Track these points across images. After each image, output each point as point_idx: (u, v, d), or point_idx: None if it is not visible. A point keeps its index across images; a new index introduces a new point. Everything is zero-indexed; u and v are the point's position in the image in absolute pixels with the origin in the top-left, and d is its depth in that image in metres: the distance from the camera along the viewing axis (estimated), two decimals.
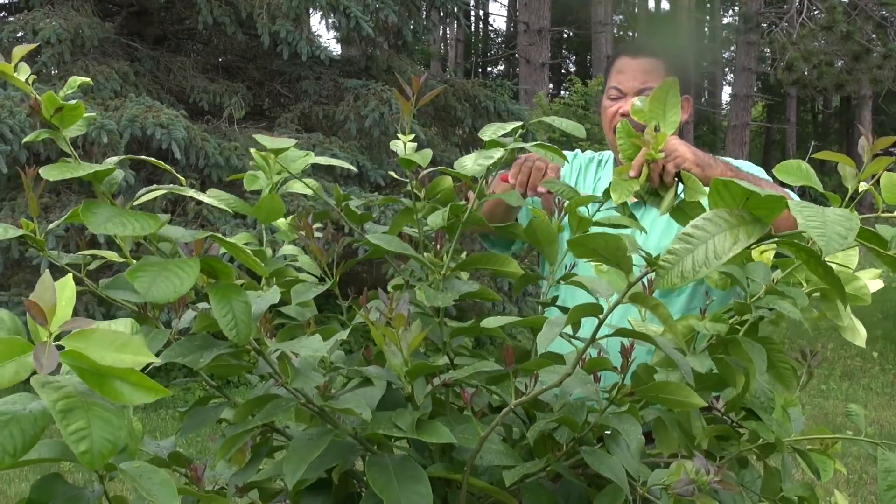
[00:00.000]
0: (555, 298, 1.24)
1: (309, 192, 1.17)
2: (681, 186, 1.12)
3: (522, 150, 1.13)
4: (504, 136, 1.10)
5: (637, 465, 1.01)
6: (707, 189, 1.05)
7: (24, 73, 0.89)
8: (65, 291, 0.71)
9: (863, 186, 0.92)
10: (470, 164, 1.07)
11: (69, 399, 0.64)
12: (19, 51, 0.88)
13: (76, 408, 0.64)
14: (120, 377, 0.66)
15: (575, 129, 1.16)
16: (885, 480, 1.06)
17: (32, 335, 0.68)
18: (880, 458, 1.08)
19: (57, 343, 0.65)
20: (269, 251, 1.18)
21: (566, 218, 1.20)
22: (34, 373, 0.65)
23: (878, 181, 0.90)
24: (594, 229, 1.18)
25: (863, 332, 1.17)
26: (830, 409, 6.11)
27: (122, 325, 0.91)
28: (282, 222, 1.25)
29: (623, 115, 1.86)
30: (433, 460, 1.07)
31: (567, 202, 1.16)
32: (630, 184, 1.09)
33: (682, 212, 1.07)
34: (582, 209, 1.16)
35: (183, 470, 1.08)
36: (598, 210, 1.19)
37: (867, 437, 1.15)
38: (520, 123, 1.11)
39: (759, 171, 1.89)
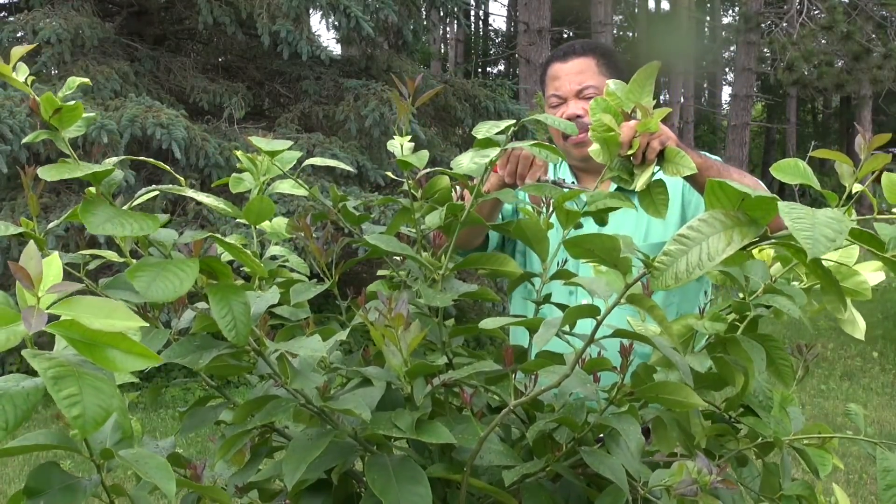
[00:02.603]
0: (548, 296, 1.24)
1: (299, 192, 1.17)
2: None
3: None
4: (497, 134, 1.10)
5: (637, 465, 1.01)
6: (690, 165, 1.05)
7: (22, 74, 0.90)
8: (51, 267, 0.72)
9: (858, 187, 0.92)
10: (466, 162, 1.06)
11: (61, 367, 0.65)
12: (18, 51, 0.89)
13: (68, 375, 0.65)
14: (111, 344, 0.67)
15: (567, 126, 1.16)
16: (884, 480, 1.06)
17: (20, 302, 0.69)
18: (879, 458, 1.08)
19: (48, 312, 0.66)
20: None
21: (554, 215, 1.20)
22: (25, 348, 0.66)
23: (876, 179, 0.90)
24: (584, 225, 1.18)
25: (862, 324, 1.17)
26: (830, 409, 6.11)
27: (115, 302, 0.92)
28: (266, 224, 1.25)
29: (569, 118, 1.88)
30: (433, 460, 1.07)
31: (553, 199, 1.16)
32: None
33: (648, 194, 1.06)
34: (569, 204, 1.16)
35: (182, 471, 1.08)
36: (584, 205, 1.19)
37: (867, 436, 1.15)
38: (513, 121, 1.11)
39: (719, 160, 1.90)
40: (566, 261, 1.19)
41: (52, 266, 0.73)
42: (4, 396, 0.66)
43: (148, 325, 0.78)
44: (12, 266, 0.66)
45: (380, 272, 1.24)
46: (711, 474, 0.92)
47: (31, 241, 0.74)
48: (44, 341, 0.71)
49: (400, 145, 1.15)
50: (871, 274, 1.16)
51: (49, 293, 0.67)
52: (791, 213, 0.74)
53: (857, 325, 1.17)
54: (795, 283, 1.18)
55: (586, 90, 1.91)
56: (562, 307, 1.19)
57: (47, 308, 0.66)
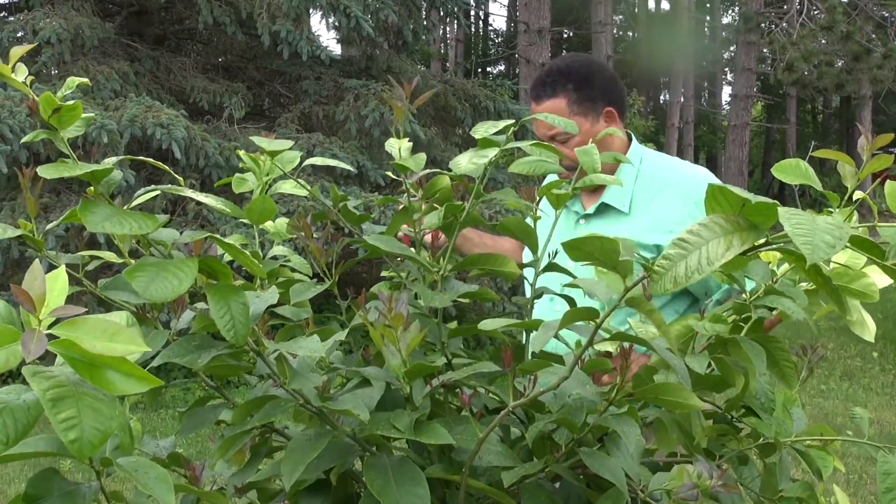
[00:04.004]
0: (541, 294, 1.24)
1: (301, 192, 1.17)
2: None
3: (520, 149, 1.13)
4: (496, 133, 1.09)
5: (637, 468, 1.01)
6: None
7: (21, 74, 0.89)
8: (57, 283, 0.71)
9: (859, 194, 0.92)
10: (464, 163, 1.06)
11: (60, 388, 0.65)
12: (17, 51, 0.88)
13: (66, 397, 0.64)
14: (111, 367, 0.66)
15: (568, 125, 1.16)
16: (884, 482, 1.06)
17: (24, 323, 0.68)
18: (880, 461, 1.08)
19: (49, 332, 0.66)
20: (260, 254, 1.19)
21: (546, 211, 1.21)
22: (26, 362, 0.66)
23: (881, 182, 0.90)
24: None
25: (872, 326, 1.16)
26: (830, 410, 6.11)
27: (118, 317, 0.91)
28: (269, 225, 1.25)
29: None
30: (432, 461, 1.06)
31: (539, 188, 1.16)
32: None
33: None
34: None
35: (182, 470, 1.08)
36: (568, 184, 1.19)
37: (868, 439, 1.15)
38: (512, 121, 1.10)
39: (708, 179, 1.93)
40: (556, 252, 1.20)
41: (58, 281, 0.72)
42: (5, 410, 0.66)
43: (150, 350, 0.77)
44: (14, 289, 0.66)
45: (384, 273, 1.24)
46: (712, 478, 0.92)
47: (37, 261, 0.73)
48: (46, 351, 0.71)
49: (398, 148, 1.15)
50: (879, 276, 1.15)
51: (51, 316, 0.66)
52: (790, 219, 0.73)
53: (867, 327, 1.16)
54: (803, 285, 1.17)
55: (557, 135, 1.92)
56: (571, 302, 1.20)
57: (49, 327, 0.66)
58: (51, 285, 0.70)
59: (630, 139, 2.05)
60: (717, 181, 1.95)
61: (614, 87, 2.03)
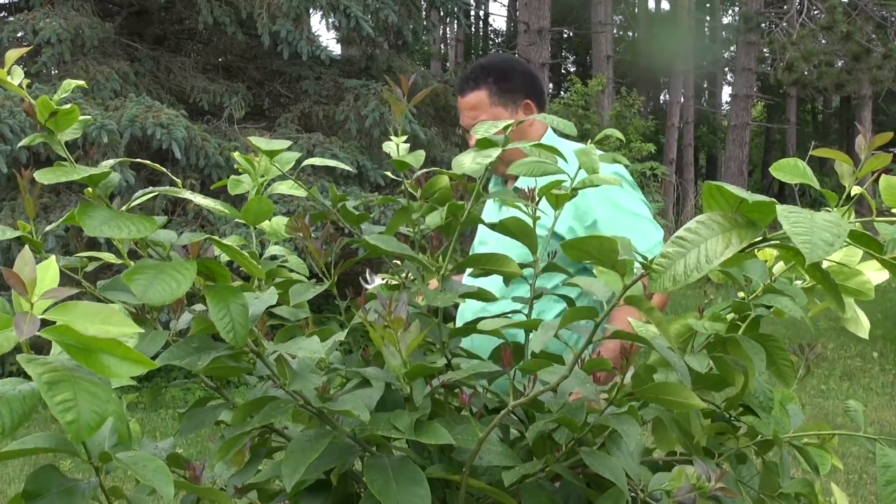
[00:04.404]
0: (541, 294, 1.24)
1: (298, 192, 1.17)
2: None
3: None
4: (496, 133, 1.10)
5: (637, 468, 1.01)
6: None
7: (17, 77, 0.89)
8: (48, 271, 0.72)
9: (857, 189, 0.91)
10: (468, 162, 1.06)
11: (55, 372, 0.65)
12: (12, 55, 0.88)
13: (62, 380, 0.65)
14: (106, 350, 0.67)
15: (566, 126, 1.16)
16: (883, 476, 1.06)
17: (15, 306, 0.69)
18: (879, 454, 1.08)
19: (42, 318, 0.66)
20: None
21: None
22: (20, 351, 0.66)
23: (876, 180, 0.90)
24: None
25: (866, 323, 1.16)
26: (830, 410, 6.11)
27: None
28: (265, 224, 1.26)
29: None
30: (432, 461, 1.06)
31: (539, 188, 1.16)
32: None
33: None
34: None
35: (181, 471, 1.08)
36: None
37: (866, 433, 1.15)
38: (511, 122, 1.11)
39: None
40: (556, 253, 1.19)
41: (49, 270, 0.72)
42: (1, 400, 0.66)
43: (143, 331, 0.78)
44: (6, 272, 0.66)
45: (380, 275, 1.24)
46: (711, 480, 0.92)
47: (27, 246, 0.74)
48: (41, 343, 0.71)
49: (396, 146, 1.15)
50: (874, 273, 1.15)
51: (43, 299, 0.67)
52: (789, 217, 0.73)
53: (861, 324, 1.16)
54: (798, 283, 1.17)
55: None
56: (569, 300, 1.19)
57: (42, 313, 0.66)
58: (41, 275, 0.70)
59: (547, 129, 2.18)
60: (621, 172, 1.98)
61: (532, 82, 2.16)
